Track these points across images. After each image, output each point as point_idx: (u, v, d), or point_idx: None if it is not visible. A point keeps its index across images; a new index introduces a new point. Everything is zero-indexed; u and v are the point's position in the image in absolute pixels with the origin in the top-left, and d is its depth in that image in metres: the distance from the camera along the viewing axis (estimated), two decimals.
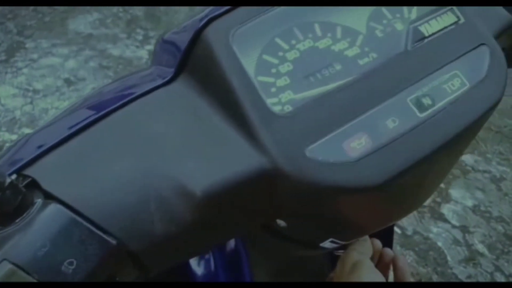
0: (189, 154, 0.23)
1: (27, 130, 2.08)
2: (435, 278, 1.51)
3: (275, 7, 0.26)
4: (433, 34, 0.28)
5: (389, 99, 0.25)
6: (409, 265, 1.56)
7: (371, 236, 0.43)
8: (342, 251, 0.40)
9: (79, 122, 0.24)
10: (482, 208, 1.79)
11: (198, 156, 0.23)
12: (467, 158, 2.06)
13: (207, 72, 0.24)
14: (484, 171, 1.98)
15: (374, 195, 0.24)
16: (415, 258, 1.58)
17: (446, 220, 1.72)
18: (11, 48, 2.66)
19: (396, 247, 1.61)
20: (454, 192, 1.86)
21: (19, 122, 2.09)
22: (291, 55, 0.25)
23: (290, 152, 0.22)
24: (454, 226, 1.70)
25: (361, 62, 0.26)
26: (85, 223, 0.21)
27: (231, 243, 0.43)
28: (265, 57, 0.25)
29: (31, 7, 3.17)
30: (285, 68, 0.25)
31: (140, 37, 2.89)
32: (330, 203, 0.25)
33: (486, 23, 0.32)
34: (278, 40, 0.26)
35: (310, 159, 0.22)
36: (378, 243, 0.44)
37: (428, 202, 1.79)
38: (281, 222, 0.28)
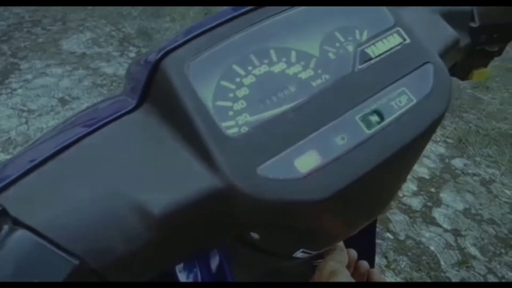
0: (148, 178, 0.25)
1: None
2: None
3: (232, 36, 0.28)
4: (380, 55, 0.29)
5: (338, 118, 0.26)
6: (403, 270, 1.57)
7: (347, 246, 0.45)
8: (320, 260, 0.42)
9: (45, 152, 0.26)
10: (473, 211, 1.81)
11: (157, 179, 0.25)
12: (456, 162, 2.08)
13: (166, 102, 0.26)
14: (474, 174, 2.01)
15: (326, 207, 0.26)
16: (409, 263, 1.59)
17: (438, 224, 1.74)
18: (5, 69, 2.69)
19: (390, 252, 1.62)
20: (445, 196, 1.88)
21: (14, 142, 2.11)
22: (247, 80, 0.27)
23: (242, 171, 0.24)
24: (446, 230, 1.72)
25: (314, 83, 0.28)
26: (49, 245, 0.22)
27: (216, 255, 0.44)
28: (223, 83, 0.27)
29: (25, 29, 3.22)
30: (242, 92, 0.27)
31: (133, 55, 2.93)
32: (285, 217, 0.26)
33: (432, 42, 0.33)
34: (235, 67, 0.27)
35: (261, 177, 0.24)
36: (354, 253, 0.46)
37: (419, 206, 1.81)
38: (254, 235, 0.29)
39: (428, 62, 0.30)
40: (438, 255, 1.62)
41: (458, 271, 1.56)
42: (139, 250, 0.24)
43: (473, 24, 0.40)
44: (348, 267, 0.43)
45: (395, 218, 1.76)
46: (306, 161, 0.25)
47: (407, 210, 1.80)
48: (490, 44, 0.43)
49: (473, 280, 1.53)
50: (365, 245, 0.53)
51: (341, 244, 0.43)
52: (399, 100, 0.28)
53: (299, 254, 0.34)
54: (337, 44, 0.30)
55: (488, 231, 1.72)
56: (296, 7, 0.30)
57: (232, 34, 0.28)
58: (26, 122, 2.27)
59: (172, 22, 3.40)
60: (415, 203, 1.84)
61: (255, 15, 0.29)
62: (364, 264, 0.46)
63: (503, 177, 1.99)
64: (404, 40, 0.30)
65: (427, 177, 1.99)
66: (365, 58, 0.29)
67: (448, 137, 2.24)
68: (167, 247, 0.26)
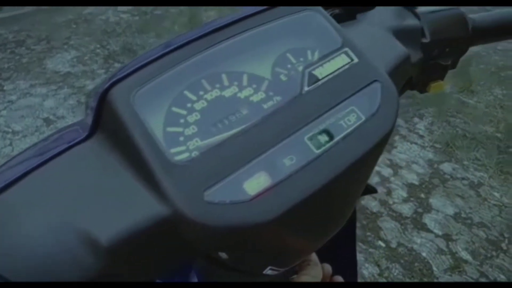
0: (97, 207, 0.25)
1: None
2: None
3: (183, 62, 0.28)
4: (327, 76, 0.30)
5: (287, 139, 0.26)
6: (396, 278, 1.56)
7: (325, 260, 0.44)
8: (294, 275, 0.42)
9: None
10: (463, 215, 1.81)
11: (105, 208, 0.25)
12: (444, 166, 2.09)
13: (114, 131, 0.26)
14: (462, 178, 2.02)
15: (276, 227, 0.25)
16: (401, 270, 1.58)
17: (428, 230, 1.74)
18: None
19: (382, 260, 1.62)
20: (435, 201, 1.88)
21: None
22: (199, 105, 0.27)
23: (188, 197, 0.24)
24: (437, 236, 1.72)
25: (265, 106, 0.28)
26: None
27: (192, 273, 0.44)
28: (174, 109, 0.27)
29: (9, 50, 3.20)
30: (193, 117, 0.27)
31: None
32: (236, 239, 0.26)
33: (380, 60, 0.34)
34: (186, 93, 0.28)
35: (207, 202, 0.24)
36: (328, 267, 0.46)
37: (410, 213, 1.81)
38: (222, 254, 0.29)
39: (376, 80, 0.30)
40: (430, 261, 1.62)
41: (450, 275, 1.56)
42: (93, 278, 0.24)
43: (424, 40, 0.41)
44: (323, 281, 0.43)
45: (386, 225, 1.76)
46: (255, 183, 0.25)
47: (398, 217, 1.80)
48: (443, 58, 0.44)
49: None
50: (345, 258, 0.53)
51: (315, 258, 0.42)
52: (348, 119, 0.28)
53: (268, 271, 0.34)
54: (289, 66, 0.30)
55: (479, 234, 1.72)
56: (247, 31, 0.30)
57: (183, 61, 0.28)
58: (11, 144, 2.24)
59: (157, 38, 3.40)
60: (406, 209, 1.84)
61: (208, 41, 0.29)
62: (339, 279, 0.46)
63: (491, 180, 2.00)
64: (352, 60, 0.31)
65: (416, 183, 1.99)
66: (313, 79, 0.29)
67: (436, 142, 2.26)
68: (120, 274, 0.26)
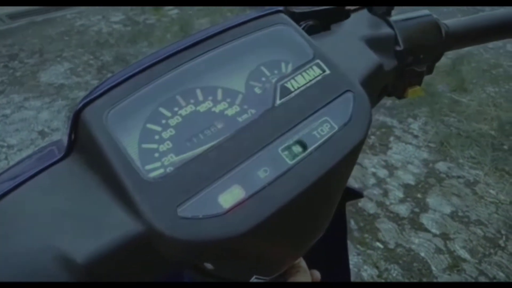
0: (72, 227, 0.25)
1: None
2: None
3: (157, 79, 0.28)
4: (299, 88, 0.30)
5: (261, 151, 0.27)
6: (395, 279, 1.56)
7: (315, 266, 0.45)
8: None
9: None
10: (460, 214, 1.82)
11: (80, 228, 0.25)
12: (440, 165, 2.10)
13: (89, 151, 0.27)
14: (458, 177, 2.02)
15: (252, 239, 0.26)
16: (400, 271, 1.58)
17: (426, 230, 1.74)
18: None
19: (380, 262, 1.62)
20: (431, 201, 1.88)
21: None
22: (173, 121, 0.28)
23: (162, 213, 0.24)
24: (434, 235, 1.72)
25: (240, 119, 0.28)
26: None
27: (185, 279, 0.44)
28: (149, 126, 0.27)
29: (2, 63, 3.20)
30: (168, 133, 0.27)
31: None
32: (213, 252, 0.26)
33: (353, 70, 0.35)
34: (161, 109, 0.28)
35: (181, 217, 0.24)
36: (317, 274, 0.46)
37: (406, 213, 1.82)
38: (208, 265, 0.29)
39: (348, 90, 0.31)
40: (428, 260, 1.62)
41: (449, 275, 1.56)
42: None
43: (398, 48, 0.42)
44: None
45: (384, 226, 1.76)
46: (230, 196, 0.25)
47: (395, 217, 1.80)
48: (418, 65, 0.44)
49: None
50: (337, 263, 0.53)
51: (303, 265, 0.43)
52: (321, 129, 0.28)
53: (254, 280, 0.34)
54: (263, 79, 0.31)
55: (476, 232, 1.73)
56: (221, 46, 0.31)
57: (157, 78, 0.28)
58: (6, 158, 2.23)
59: (150, 47, 3.41)
60: (403, 210, 1.84)
61: (182, 57, 0.29)
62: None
63: (487, 177, 2.01)
64: (324, 71, 0.31)
65: (412, 183, 1.99)
66: (285, 92, 0.30)
67: (430, 142, 2.27)
68: None
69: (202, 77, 0.30)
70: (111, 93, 0.27)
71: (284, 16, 0.33)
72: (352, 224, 1.77)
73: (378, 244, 1.69)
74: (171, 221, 0.24)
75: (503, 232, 1.73)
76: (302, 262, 0.43)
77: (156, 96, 0.28)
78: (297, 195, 0.26)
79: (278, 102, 0.29)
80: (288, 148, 0.27)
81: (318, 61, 0.32)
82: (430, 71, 0.46)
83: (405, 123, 2.43)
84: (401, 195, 1.93)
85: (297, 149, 0.27)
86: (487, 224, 1.76)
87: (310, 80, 0.30)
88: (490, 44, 3.19)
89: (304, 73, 0.31)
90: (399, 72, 0.43)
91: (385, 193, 1.93)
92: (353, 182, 1.98)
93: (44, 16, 4.06)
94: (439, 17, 0.45)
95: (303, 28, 0.38)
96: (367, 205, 1.87)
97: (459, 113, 2.50)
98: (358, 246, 1.68)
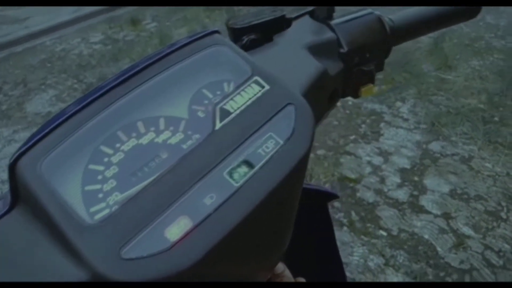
0: (20, 280, 0.24)
1: None
2: (430, 272, 1.51)
3: (94, 118, 0.27)
4: (239, 107, 0.30)
5: (205, 177, 0.26)
6: (402, 265, 1.56)
7: (298, 274, 0.44)
8: None
9: None
10: (459, 191, 1.82)
11: (28, 280, 0.24)
12: (433, 145, 2.10)
13: (29, 202, 0.26)
14: (453, 154, 2.03)
15: (206, 266, 0.25)
16: (406, 256, 1.58)
17: (427, 212, 1.74)
18: None
19: (386, 249, 1.61)
20: (429, 182, 1.89)
21: None
22: (116, 158, 0.27)
23: (105, 258, 0.23)
24: (436, 216, 1.72)
25: (184, 146, 0.28)
26: None
27: None
28: (91, 167, 0.27)
29: None
30: (111, 172, 0.26)
31: None
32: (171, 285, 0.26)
33: (294, 81, 0.35)
34: (102, 148, 0.27)
35: (125, 260, 0.23)
36: (302, 281, 0.45)
37: (406, 197, 1.82)
38: None
39: (289, 103, 0.30)
40: (433, 242, 1.62)
41: (456, 254, 1.56)
42: None
43: (342, 50, 0.42)
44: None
45: (385, 214, 1.76)
46: (177, 228, 0.24)
47: (395, 203, 1.80)
48: (365, 64, 0.44)
49: (472, 260, 1.53)
50: (329, 266, 0.53)
51: (287, 273, 0.42)
52: (266, 145, 0.28)
53: None
54: (206, 102, 0.30)
55: (477, 208, 1.73)
56: (159, 74, 0.30)
57: (94, 117, 0.28)
58: (1, 193, 2.22)
59: (132, 63, 3.40)
60: (401, 195, 1.84)
61: (120, 91, 0.29)
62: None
63: (481, 152, 2.01)
64: (263, 87, 0.31)
65: (408, 166, 1.99)
66: (225, 114, 0.29)
67: (421, 123, 2.27)
68: None
69: (143, 108, 0.29)
70: (45, 141, 0.26)
71: (219, 36, 0.33)
72: (353, 215, 1.77)
73: (381, 232, 1.69)
74: (115, 265, 0.23)
75: (503, 204, 1.73)
76: (286, 271, 0.42)
77: (95, 135, 0.27)
78: (245, 217, 0.25)
79: (218, 125, 0.29)
80: (234, 170, 0.27)
81: (256, 77, 0.31)
82: (380, 68, 0.46)
83: (394, 107, 2.43)
84: (398, 180, 1.93)
85: (242, 170, 0.27)
86: (487, 198, 1.77)
87: (250, 98, 0.30)
88: None
89: (243, 92, 0.30)
90: (348, 74, 0.43)
91: (382, 180, 1.93)
92: (349, 173, 1.98)
93: (23, 46, 4.05)
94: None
95: (245, 43, 0.38)
96: (366, 194, 1.87)
97: (446, 90, 2.50)
98: (362, 237, 1.68)
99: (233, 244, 0.26)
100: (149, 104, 0.29)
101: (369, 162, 2.05)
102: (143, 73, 0.30)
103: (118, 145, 0.28)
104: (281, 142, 0.28)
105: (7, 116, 2.94)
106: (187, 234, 0.24)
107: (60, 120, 0.27)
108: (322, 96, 0.40)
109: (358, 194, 1.87)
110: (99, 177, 0.26)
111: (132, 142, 0.28)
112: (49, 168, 0.26)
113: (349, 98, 0.46)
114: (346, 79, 0.43)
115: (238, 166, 0.27)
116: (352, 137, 2.23)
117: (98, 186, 0.26)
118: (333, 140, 2.22)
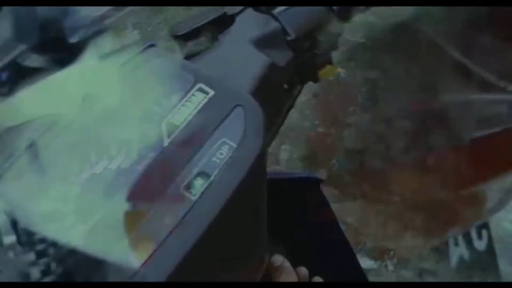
0: None
1: None
2: None
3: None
4: (186, 118, 0.29)
5: (162, 196, 0.26)
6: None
7: (296, 264, 0.44)
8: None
9: None
10: None
11: None
12: None
13: None
14: None
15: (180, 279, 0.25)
16: None
17: None
18: None
19: None
20: None
21: None
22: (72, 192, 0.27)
23: None
24: None
25: (139, 167, 0.27)
26: None
27: None
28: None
29: None
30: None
31: None
32: None
33: (241, 80, 0.34)
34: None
35: None
36: (304, 271, 0.45)
37: None
38: None
39: (237, 105, 0.30)
40: None
41: None
42: None
43: (289, 38, 0.40)
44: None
45: None
46: (142, 252, 0.24)
47: None
48: (318, 46, 0.42)
49: None
50: (345, 265, 0.52)
51: (287, 265, 0.42)
52: (221, 152, 0.27)
53: None
54: (155, 118, 0.29)
55: None
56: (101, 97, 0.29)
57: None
58: None
59: None
60: None
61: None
62: (318, 279, 0.45)
63: None
64: (208, 93, 0.30)
65: None
66: (171, 128, 0.28)
67: None
68: None
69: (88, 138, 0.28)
70: None
71: (155, 49, 0.32)
72: None
73: None
74: None
75: None
76: (285, 263, 0.42)
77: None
78: (207, 228, 0.25)
79: (167, 141, 0.28)
80: (190, 183, 0.26)
81: (200, 85, 0.30)
82: (334, 47, 0.44)
83: None
84: None
85: (199, 182, 0.26)
86: None
87: (196, 107, 0.29)
88: None
89: (187, 102, 0.29)
90: (300, 60, 0.41)
91: None
92: None
93: None
94: None
95: (190, 49, 0.37)
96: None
97: None
98: None
99: (201, 257, 0.26)
100: (96, 133, 0.29)
101: None
102: None
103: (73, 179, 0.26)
104: (235, 145, 0.28)
105: None
106: (152, 255, 0.24)
107: None
108: (276, 88, 0.39)
109: None
110: None
111: (87, 174, 0.27)
112: None
113: None
114: (300, 66, 0.42)
115: (194, 178, 0.26)
116: None
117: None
118: None
